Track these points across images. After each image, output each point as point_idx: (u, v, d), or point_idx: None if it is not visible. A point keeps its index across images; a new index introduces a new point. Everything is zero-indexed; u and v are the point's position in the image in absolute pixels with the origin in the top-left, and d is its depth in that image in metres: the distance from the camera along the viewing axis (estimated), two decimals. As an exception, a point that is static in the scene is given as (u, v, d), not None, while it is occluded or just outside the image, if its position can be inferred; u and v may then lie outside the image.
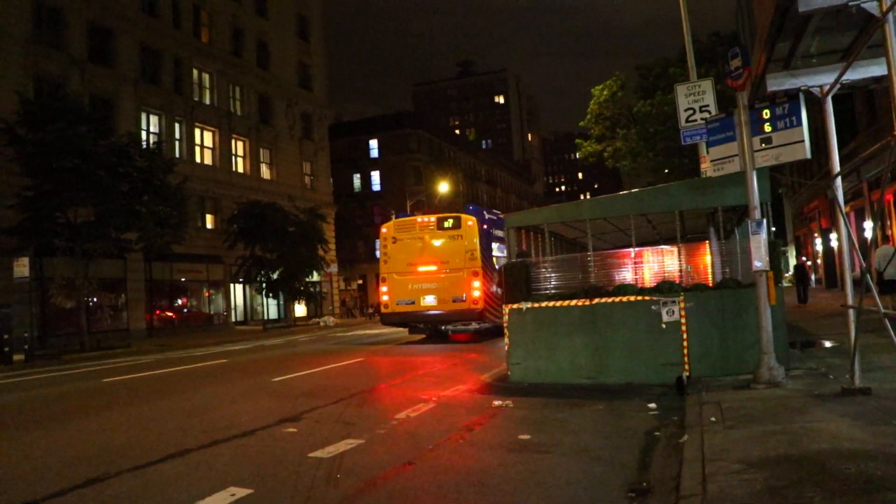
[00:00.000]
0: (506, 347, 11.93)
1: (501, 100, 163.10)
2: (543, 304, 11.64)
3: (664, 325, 11.13)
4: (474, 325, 21.68)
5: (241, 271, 43.32)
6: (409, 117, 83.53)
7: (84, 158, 25.06)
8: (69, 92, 31.85)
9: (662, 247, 13.14)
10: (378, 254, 24.44)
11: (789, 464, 5.86)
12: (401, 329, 25.62)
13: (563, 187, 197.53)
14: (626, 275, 12.40)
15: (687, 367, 11.05)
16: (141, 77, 40.38)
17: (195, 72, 45.29)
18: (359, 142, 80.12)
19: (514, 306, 11.77)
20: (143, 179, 26.94)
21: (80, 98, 31.17)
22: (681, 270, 11.85)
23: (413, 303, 22.45)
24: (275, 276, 43.39)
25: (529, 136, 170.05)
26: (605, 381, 11.34)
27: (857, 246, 10.03)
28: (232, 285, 46.10)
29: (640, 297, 11.27)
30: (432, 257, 22.30)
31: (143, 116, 40.86)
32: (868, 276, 7.82)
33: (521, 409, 9.59)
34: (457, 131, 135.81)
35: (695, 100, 15.93)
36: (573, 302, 11.51)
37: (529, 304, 11.64)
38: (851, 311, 8.83)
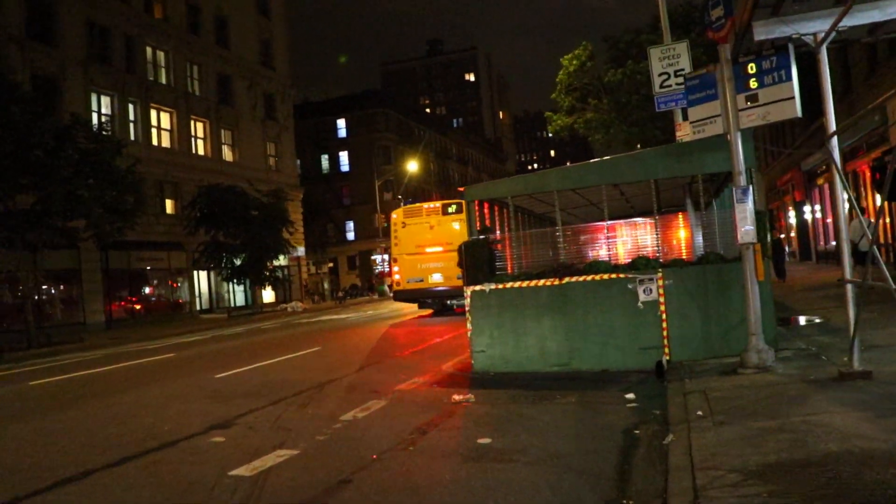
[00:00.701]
0: (468, 334, 10.85)
1: (472, 77, 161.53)
2: (508, 285, 10.56)
3: (641, 305, 10.11)
4: None
5: (203, 258, 41.79)
6: (376, 96, 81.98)
7: (19, 142, 23.43)
8: (4, 71, 30.14)
9: (637, 220, 12.11)
10: (390, 238, 26.38)
11: (795, 472, 4.85)
12: (402, 305, 27.59)
13: (535, 165, 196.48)
14: (600, 252, 11.36)
15: (667, 350, 10.05)
16: (88, 56, 38.46)
17: (149, 50, 43.34)
18: (326, 122, 78.50)
19: (477, 288, 10.69)
20: (87, 162, 25.32)
21: (13, 76, 29.34)
22: (658, 245, 10.80)
23: (422, 280, 24.66)
24: (238, 261, 41.96)
25: (501, 113, 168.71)
26: (578, 369, 10.32)
27: (829, 219, 9.07)
28: (195, 272, 44.51)
29: (613, 275, 10.23)
30: (438, 239, 24.36)
31: (94, 97, 38.95)
32: (875, 249, 6.81)
33: (483, 405, 8.53)
34: (427, 110, 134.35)
35: (669, 63, 14.89)
36: (541, 282, 10.44)
37: (493, 286, 10.55)
38: (849, 287, 7.83)
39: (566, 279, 10.37)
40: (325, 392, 9.96)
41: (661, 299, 10.06)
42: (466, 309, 10.86)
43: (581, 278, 10.34)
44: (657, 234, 10.80)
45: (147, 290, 41.83)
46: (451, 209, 24.58)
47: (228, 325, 33.17)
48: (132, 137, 40.68)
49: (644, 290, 10.08)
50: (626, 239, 11.55)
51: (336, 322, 26.25)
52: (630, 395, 8.39)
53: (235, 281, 43.17)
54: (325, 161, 79.45)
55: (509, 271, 11.57)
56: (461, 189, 11.05)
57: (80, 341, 27.41)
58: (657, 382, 9.23)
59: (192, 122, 46.17)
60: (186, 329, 31.24)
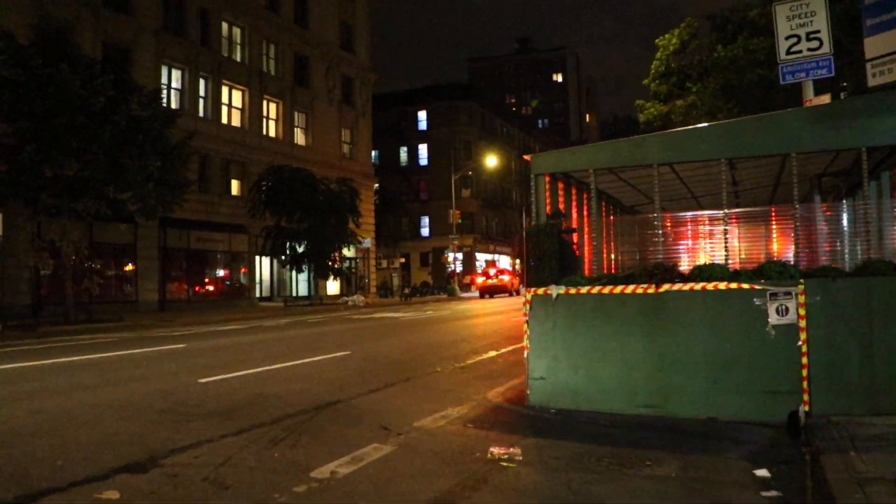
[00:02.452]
0: (525, 353, 7.97)
1: (559, 78, 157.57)
2: (584, 291, 7.65)
3: (771, 330, 7.07)
4: None
5: (265, 243, 40.00)
6: (460, 88, 79.39)
7: (63, 101, 21.65)
8: (79, 38, 28.84)
9: (754, 210, 9.00)
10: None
11: None
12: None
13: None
14: (712, 253, 8.32)
15: (807, 398, 6.98)
16: (162, 27, 37.06)
17: (224, 25, 41.84)
18: (406, 113, 76.43)
19: (539, 291, 7.81)
20: (135, 129, 23.39)
21: (75, 39, 27.82)
22: (797, 248, 7.68)
23: None
24: (300, 248, 39.95)
25: (588, 116, 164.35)
26: (675, 414, 7.32)
27: None
28: (258, 258, 42.78)
29: (734, 285, 7.21)
30: None
31: (164, 70, 37.55)
32: None
33: (532, 470, 5.63)
34: (513, 109, 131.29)
35: (800, 23, 11.79)
36: (630, 288, 7.50)
37: (562, 290, 7.65)
38: None
39: (665, 287, 7.40)
40: (318, 421, 7.21)
41: (802, 323, 7.00)
42: (525, 319, 7.98)
43: (686, 286, 7.35)
44: (796, 233, 7.70)
45: (205, 272, 40.17)
46: None
47: (280, 315, 31.02)
48: (201, 114, 39.30)
49: (777, 309, 7.04)
50: (747, 238, 8.46)
51: (387, 321, 23.63)
52: (762, 473, 5.39)
53: (296, 269, 41.18)
54: (403, 153, 77.41)
55: (585, 273, 8.64)
56: (527, 158, 8.18)
57: (118, 320, 25.62)
58: (793, 446, 6.24)
59: (265, 102, 44.54)
60: (239, 316, 29.24)
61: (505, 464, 5.69)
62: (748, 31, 20.72)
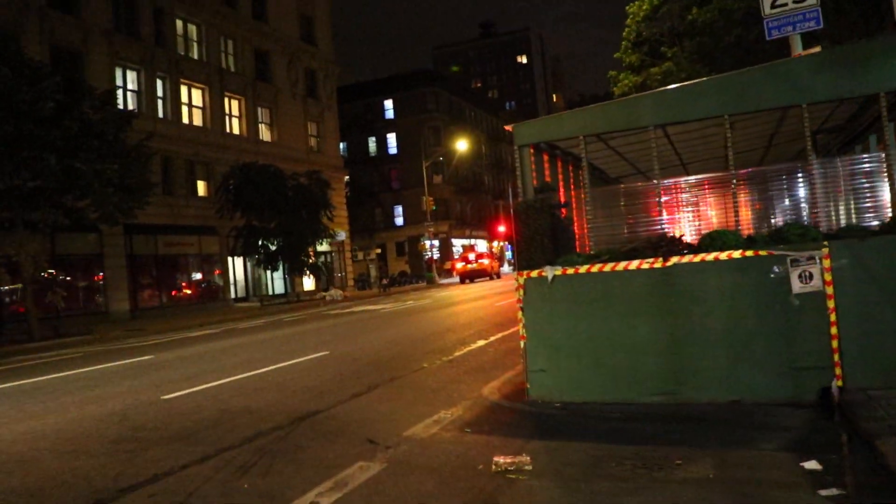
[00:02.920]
0: (521, 344, 7.16)
1: (524, 60, 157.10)
2: (583, 270, 6.86)
3: (795, 300, 6.33)
4: None
5: (237, 243, 38.97)
6: (425, 75, 78.35)
7: (8, 107, 20.50)
8: (25, 42, 27.53)
9: (765, 168, 8.21)
10: None
11: None
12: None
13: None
14: (715, 221, 7.56)
15: (839, 372, 6.26)
16: (114, 28, 35.71)
17: (179, 23, 40.51)
18: (373, 103, 75.35)
19: (534, 274, 7.01)
20: (87, 133, 22.25)
21: (19, 42, 26.54)
22: (814, 208, 6.93)
23: None
24: (273, 246, 38.95)
25: (555, 97, 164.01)
26: (693, 399, 6.57)
27: None
28: (230, 259, 41.68)
29: (749, 253, 6.45)
30: None
31: (119, 71, 36.21)
32: None
33: (547, 482, 4.81)
34: (480, 93, 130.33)
35: (787, -25, 11.19)
36: (634, 264, 6.72)
37: (558, 270, 6.85)
38: None
39: (674, 259, 6.62)
40: (294, 438, 6.34)
41: (829, 290, 6.26)
42: (518, 305, 7.16)
43: (697, 258, 6.59)
44: (812, 190, 6.95)
45: (177, 277, 39.05)
46: None
47: (256, 315, 30.04)
48: (160, 114, 38.07)
49: (800, 276, 6.29)
50: (755, 200, 7.70)
51: (366, 315, 22.75)
52: (812, 465, 4.64)
53: (271, 268, 40.21)
54: (372, 143, 76.40)
55: (578, 250, 7.85)
56: (508, 128, 7.37)
57: (87, 333, 24.56)
58: (836, 428, 5.52)
59: (227, 99, 43.31)
60: (213, 319, 28.26)
61: (513, 476, 4.88)
62: (724, -11, 19.95)
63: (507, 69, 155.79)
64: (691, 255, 6.63)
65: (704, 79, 7.30)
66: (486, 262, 50.45)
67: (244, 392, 9.04)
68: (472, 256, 52.67)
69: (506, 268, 67.47)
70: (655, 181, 7.20)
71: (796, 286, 6.32)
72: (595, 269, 6.85)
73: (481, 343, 12.22)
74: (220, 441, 6.37)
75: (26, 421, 8.29)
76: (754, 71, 7.09)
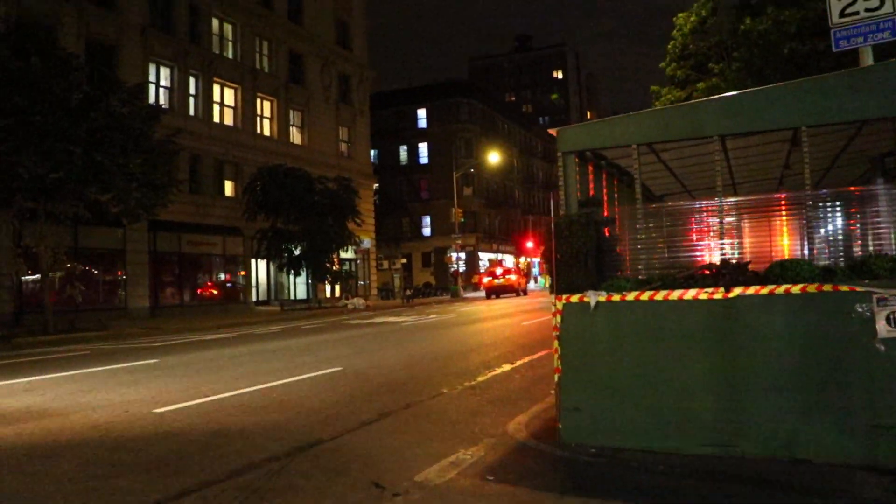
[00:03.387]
0: (556, 377, 6.29)
1: (560, 75, 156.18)
2: (632, 297, 6.00)
3: (881, 345, 5.41)
4: None
5: (261, 245, 38.43)
6: (459, 86, 77.76)
7: (38, 97, 20.07)
8: (62, 36, 27.30)
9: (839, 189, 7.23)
10: None
11: None
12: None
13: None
14: (786, 246, 6.63)
15: (932, 434, 5.32)
16: (150, 24, 35.46)
17: (215, 21, 40.30)
18: (406, 112, 74.86)
19: (573, 299, 6.16)
20: (114, 126, 21.76)
21: (58, 36, 26.26)
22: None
23: None
24: (297, 251, 38.36)
25: (588, 113, 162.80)
26: (750, 454, 5.65)
27: None
28: (253, 261, 41.23)
29: (828, 287, 5.54)
30: None
31: (152, 68, 35.97)
32: None
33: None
34: (514, 107, 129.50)
35: (858, -18, 10.28)
36: (690, 293, 5.84)
37: (602, 296, 6.00)
38: None
39: (736, 290, 5.73)
40: (289, 473, 5.48)
41: (921, 336, 5.33)
42: (554, 334, 6.30)
43: (764, 289, 5.69)
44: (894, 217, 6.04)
45: (199, 276, 38.59)
46: None
47: (275, 320, 29.37)
48: (192, 112, 37.81)
49: (889, 317, 5.38)
50: (831, 226, 6.76)
51: (387, 327, 21.93)
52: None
53: (294, 272, 39.63)
54: (403, 152, 75.89)
55: (626, 273, 6.97)
56: (552, 132, 6.54)
57: (102, 329, 24.02)
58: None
59: (259, 100, 43.03)
60: (231, 322, 27.60)
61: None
62: (776, 2, 18.91)
63: (542, 84, 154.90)
64: (758, 287, 5.74)
65: (778, 84, 6.39)
66: (513, 277, 49.58)
67: (244, 410, 8.22)
68: (499, 271, 51.87)
69: (532, 284, 66.43)
70: (718, 199, 6.31)
71: (883, 330, 5.40)
72: (645, 297, 5.98)
73: (507, 368, 11.30)
74: (204, 471, 5.56)
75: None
76: (837, 77, 6.19)
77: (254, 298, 41.30)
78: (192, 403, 8.69)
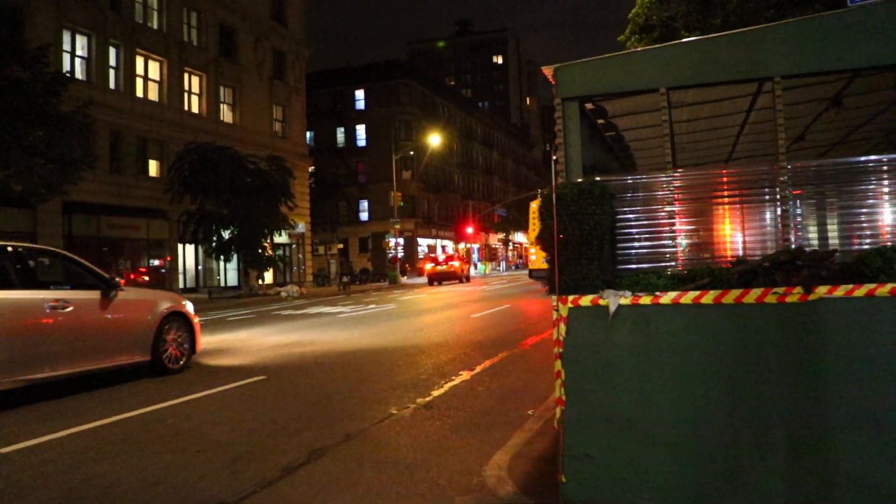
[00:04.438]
0: (558, 411, 4.48)
1: (500, 60, 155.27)
2: (669, 299, 4.24)
3: None
4: None
5: (187, 229, 35.83)
6: (400, 67, 75.43)
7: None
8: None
9: None
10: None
11: None
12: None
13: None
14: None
15: None
16: (63, -14, 32.45)
17: (137, -13, 37.35)
18: (344, 93, 72.35)
19: (585, 301, 4.36)
20: (11, 93, 19.18)
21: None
22: None
23: None
24: (227, 235, 35.89)
25: (528, 99, 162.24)
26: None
27: None
28: (181, 245, 38.60)
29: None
30: None
31: (67, 35, 32.94)
32: None
33: None
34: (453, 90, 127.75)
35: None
36: (752, 294, 4.11)
37: (628, 298, 4.22)
38: None
39: (820, 290, 4.03)
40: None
41: None
42: (556, 350, 4.49)
43: (861, 289, 3.99)
44: None
45: (119, 262, 35.78)
46: None
47: (201, 309, 26.97)
48: (112, 85, 34.91)
49: None
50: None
51: (322, 320, 19.84)
52: None
53: (224, 257, 37.14)
54: (340, 134, 73.41)
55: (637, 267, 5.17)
56: (546, 70, 4.72)
57: None
58: None
59: (187, 75, 40.27)
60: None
61: None
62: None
63: (482, 69, 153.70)
64: (851, 286, 4.02)
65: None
66: (456, 264, 47.91)
67: (118, 450, 6.11)
68: (441, 257, 50.23)
69: (472, 271, 64.89)
70: (782, 162, 4.57)
71: None
72: (688, 299, 4.21)
73: (466, 376, 9.37)
74: None
75: None
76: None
77: (181, 286, 38.68)
78: (39, 441, 6.55)
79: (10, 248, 9.01)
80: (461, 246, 78.93)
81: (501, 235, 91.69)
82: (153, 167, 37.79)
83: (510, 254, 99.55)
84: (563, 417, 4.43)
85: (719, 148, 8.43)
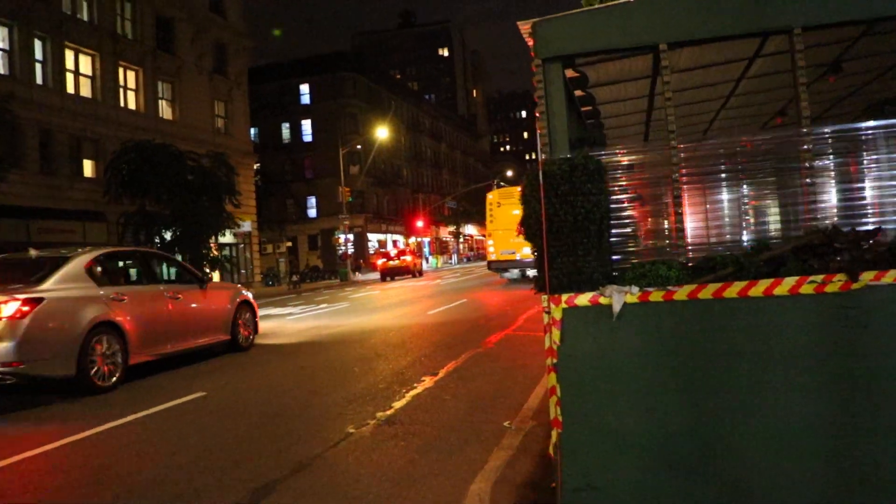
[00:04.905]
0: (553, 434, 3.71)
1: (445, 52, 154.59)
2: (684, 294, 3.52)
3: None
4: None
5: (127, 231, 34.19)
6: (345, 60, 74.11)
7: None
8: None
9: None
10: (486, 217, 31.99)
11: None
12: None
13: (507, 146, 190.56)
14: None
15: None
16: (-19, -26, 30.64)
17: (65, -23, 35.55)
18: (288, 87, 70.80)
19: (581, 300, 3.61)
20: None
21: None
22: None
23: (513, 253, 29.08)
24: (168, 236, 34.41)
25: (475, 91, 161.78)
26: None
27: None
28: (121, 249, 36.94)
29: None
30: None
31: (-13, 27, 31.16)
32: None
33: None
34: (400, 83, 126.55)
35: None
36: (786, 285, 3.41)
37: (635, 294, 3.49)
38: None
39: (867, 275, 3.34)
40: None
41: None
42: (549, 361, 3.72)
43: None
44: None
45: (55, 268, 34.07)
46: None
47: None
48: (39, 81, 33.04)
49: None
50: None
51: (270, 322, 18.88)
52: None
53: (166, 260, 35.63)
54: (285, 129, 71.88)
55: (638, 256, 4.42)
56: (524, 27, 3.93)
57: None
58: None
59: (122, 70, 38.44)
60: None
61: None
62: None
63: (428, 61, 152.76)
64: (902, 272, 3.33)
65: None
66: (408, 258, 47.09)
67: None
68: (393, 252, 49.45)
69: (424, 265, 64.10)
70: (802, 126, 3.86)
71: None
72: (707, 293, 3.47)
73: (429, 382, 8.48)
74: None
75: None
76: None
77: (122, 290, 37.09)
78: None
79: (138, 253, 12.32)
80: (412, 240, 78.09)
81: (452, 228, 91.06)
82: (89, 167, 36.08)
83: (461, 246, 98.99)
84: (560, 442, 3.66)
85: (699, 122, 7.76)
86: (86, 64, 36.28)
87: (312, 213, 70.04)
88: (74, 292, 9.52)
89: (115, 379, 9.39)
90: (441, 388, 8.09)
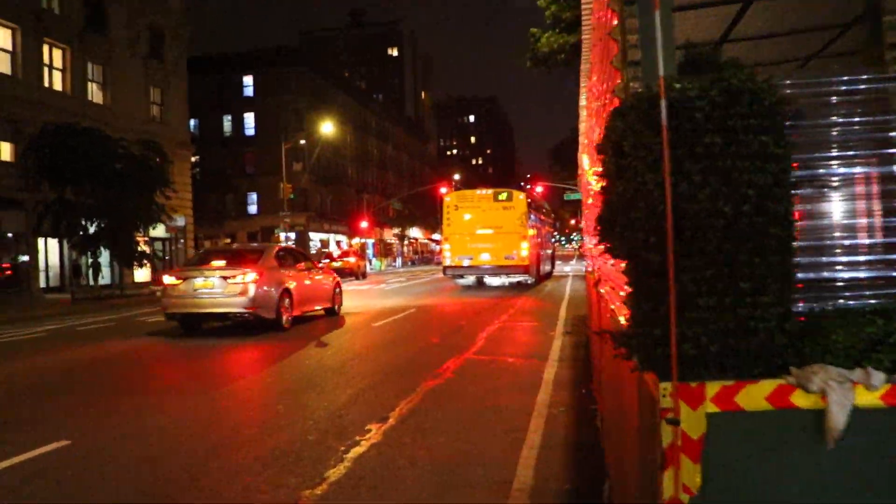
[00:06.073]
0: None
1: (395, 53, 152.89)
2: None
3: None
4: (522, 278, 29.56)
5: (45, 221, 31.21)
6: (291, 54, 71.43)
7: None
8: None
9: None
10: (441, 219, 30.86)
11: None
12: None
13: (454, 150, 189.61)
14: None
15: None
16: None
17: (-18, -58, 32.52)
18: (231, 79, 68.04)
19: (754, 399, 1.68)
20: None
21: None
22: None
23: (471, 258, 28.77)
24: (92, 228, 31.55)
25: (423, 93, 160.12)
26: None
27: None
28: (42, 240, 33.97)
29: None
30: (489, 223, 28.81)
31: None
32: None
33: None
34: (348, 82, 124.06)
35: None
36: None
37: (879, 389, 1.62)
38: None
39: None
40: None
41: None
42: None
43: None
44: None
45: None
46: (502, 196, 29.36)
47: (55, 314, 23.18)
48: (-49, 55, 30.10)
49: None
50: None
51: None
52: None
53: (90, 253, 32.61)
54: (227, 123, 69.09)
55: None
56: None
57: None
58: None
59: (47, 48, 35.57)
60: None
61: None
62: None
63: (377, 61, 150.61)
64: None
65: None
66: (351, 260, 44.98)
67: None
68: (336, 253, 47.28)
69: (367, 266, 61.91)
70: None
71: None
72: None
73: (376, 434, 6.23)
74: None
75: None
76: None
77: (42, 285, 34.21)
78: None
79: (291, 249, 18.78)
80: (355, 241, 75.70)
81: (397, 230, 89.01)
82: (6, 150, 33.13)
83: (406, 249, 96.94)
84: None
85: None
86: (5, 38, 33.31)
87: (253, 209, 67.34)
88: (272, 270, 15.40)
89: (289, 324, 15.46)
90: (394, 445, 5.92)
